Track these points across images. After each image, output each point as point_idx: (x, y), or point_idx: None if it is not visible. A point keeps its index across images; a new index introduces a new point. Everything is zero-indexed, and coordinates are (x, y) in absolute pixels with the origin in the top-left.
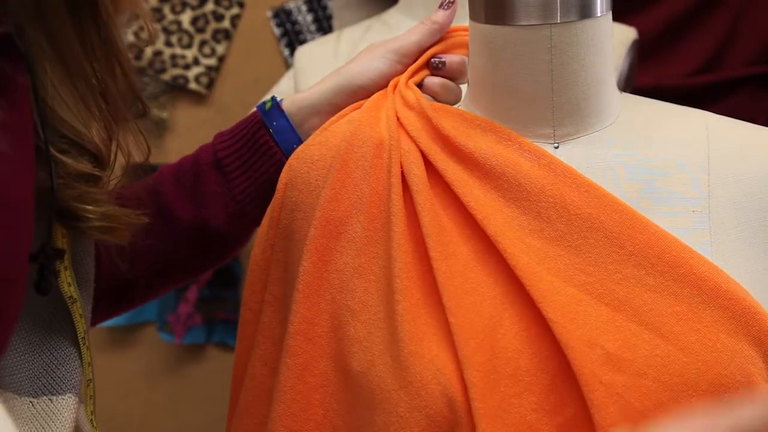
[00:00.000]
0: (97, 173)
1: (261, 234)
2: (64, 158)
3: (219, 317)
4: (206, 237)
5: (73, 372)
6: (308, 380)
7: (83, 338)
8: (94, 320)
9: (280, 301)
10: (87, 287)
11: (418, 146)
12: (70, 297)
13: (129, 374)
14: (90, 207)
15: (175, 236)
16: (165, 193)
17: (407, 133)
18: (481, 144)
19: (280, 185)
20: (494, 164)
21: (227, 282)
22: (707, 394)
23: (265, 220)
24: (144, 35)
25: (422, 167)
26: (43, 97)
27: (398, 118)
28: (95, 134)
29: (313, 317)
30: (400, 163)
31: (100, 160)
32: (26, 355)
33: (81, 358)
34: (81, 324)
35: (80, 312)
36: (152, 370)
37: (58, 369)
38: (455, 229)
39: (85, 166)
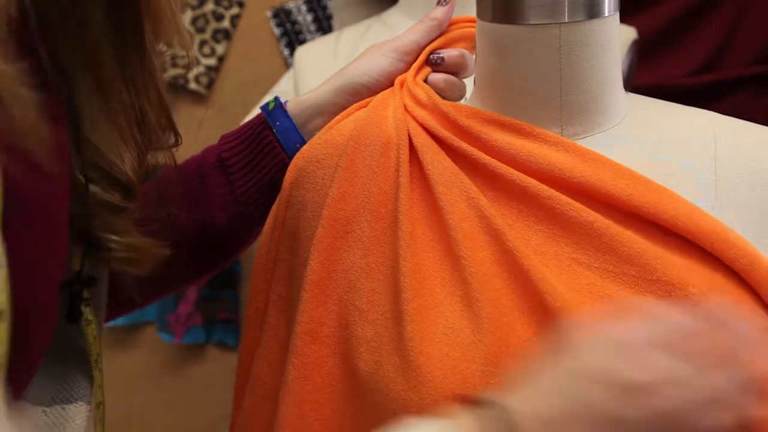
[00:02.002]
0: (124, 204)
1: (265, 233)
2: (93, 188)
3: (219, 317)
4: (210, 239)
5: (83, 388)
6: (315, 380)
7: (96, 360)
8: (107, 318)
9: (285, 301)
10: (100, 307)
11: (437, 140)
12: (86, 319)
13: (129, 374)
14: (114, 237)
15: (179, 238)
16: None
17: (424, 128)
18: (502, 136)
19: (285, 184)
20: (519, 153)
21: (227, 282)
22: None
23: (270, 220)
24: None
25: (448, 159)
26: (80, 126)
27: (410, 115)
28: (128, 165)
29: (320, 317)
30: (409, 161)
31: (129, 190)
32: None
33: (92, 379)
34: (95, 346)
35: (94, 334)
36: (152, 370)
37: (69, 386)
38: (478, 225)
39: (113, 197)
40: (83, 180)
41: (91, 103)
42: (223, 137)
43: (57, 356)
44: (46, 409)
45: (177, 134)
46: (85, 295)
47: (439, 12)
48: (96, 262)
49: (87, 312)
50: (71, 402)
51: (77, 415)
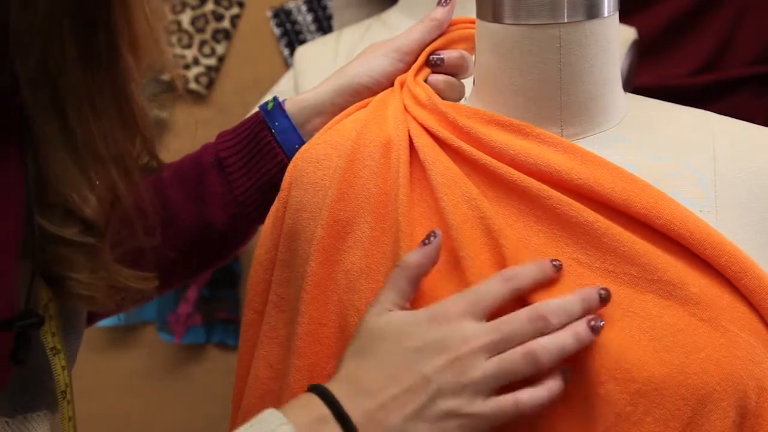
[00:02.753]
0: (84, 240)
1: (265, 234)
2: (46, 223)
3: (219, 317)
4: (208, 237)
5: (47, 396)
6: (317, 381)
7: (63, 392)
8: (94, 319)
9: (284, 302)
10: (76, 332)
11: (437, 141)
12: (53, 348)
13: (129, 374)
14: (71, 274)
15: (177, 237)
16: (167, 194)
17: (425, 128)
18: (501, 136)
19: (284, 185)
20: (518, 154)
21: (227, 282)
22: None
23: (269, 220)
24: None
25: (449, 159)
26: (37, 163)
27: (410, 116)
28: (91, 203)
29: (321, 318)
30: (409, 161)
31: (92, 228)
32: None
33: (59, 412)
34: (63, 377)
35: (62, 364)
36: (152, 370)
37: (33, 397)
38: (480, 226)
39: (70, 232)
40: (31, 212)
41: (51, 138)
42: (221, 135)
43: (18, 387)
44: (8, 419)
45: (159, 162)
46: (45, 328)
47: (440, 12)
48: (57, 297)
49: (55, 341)
50: (34, 410)
51: (40, 424)
